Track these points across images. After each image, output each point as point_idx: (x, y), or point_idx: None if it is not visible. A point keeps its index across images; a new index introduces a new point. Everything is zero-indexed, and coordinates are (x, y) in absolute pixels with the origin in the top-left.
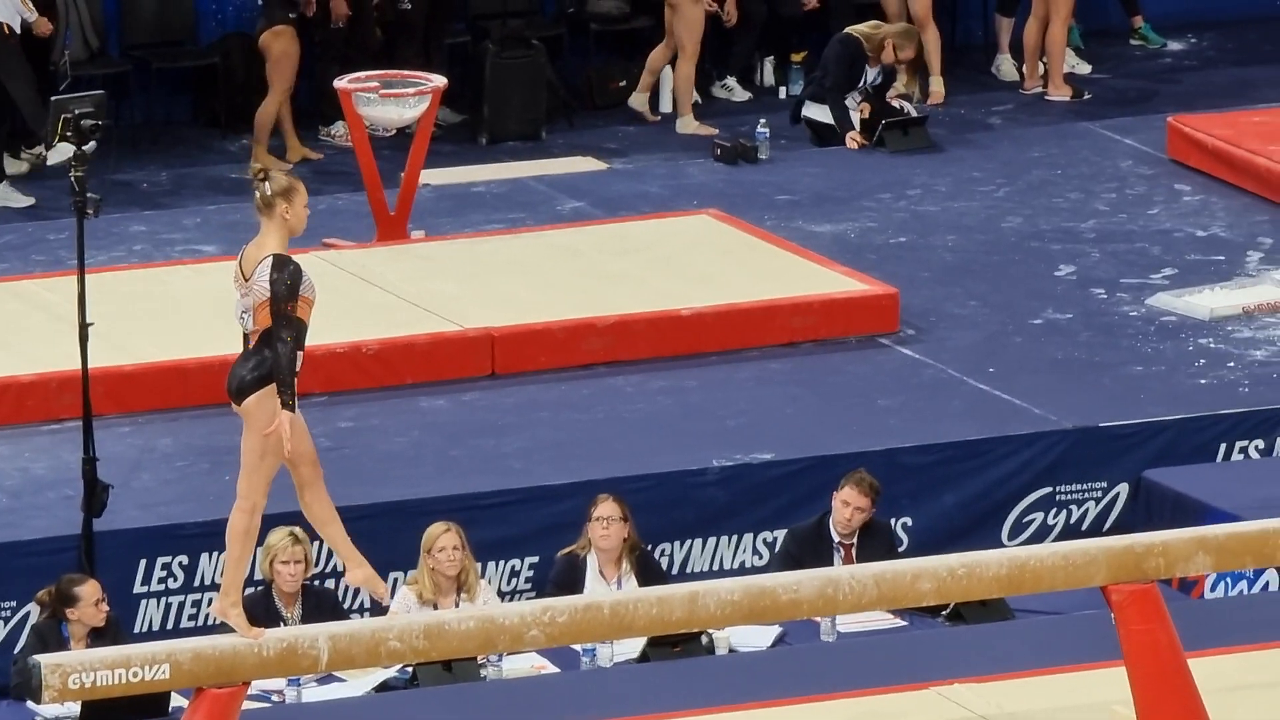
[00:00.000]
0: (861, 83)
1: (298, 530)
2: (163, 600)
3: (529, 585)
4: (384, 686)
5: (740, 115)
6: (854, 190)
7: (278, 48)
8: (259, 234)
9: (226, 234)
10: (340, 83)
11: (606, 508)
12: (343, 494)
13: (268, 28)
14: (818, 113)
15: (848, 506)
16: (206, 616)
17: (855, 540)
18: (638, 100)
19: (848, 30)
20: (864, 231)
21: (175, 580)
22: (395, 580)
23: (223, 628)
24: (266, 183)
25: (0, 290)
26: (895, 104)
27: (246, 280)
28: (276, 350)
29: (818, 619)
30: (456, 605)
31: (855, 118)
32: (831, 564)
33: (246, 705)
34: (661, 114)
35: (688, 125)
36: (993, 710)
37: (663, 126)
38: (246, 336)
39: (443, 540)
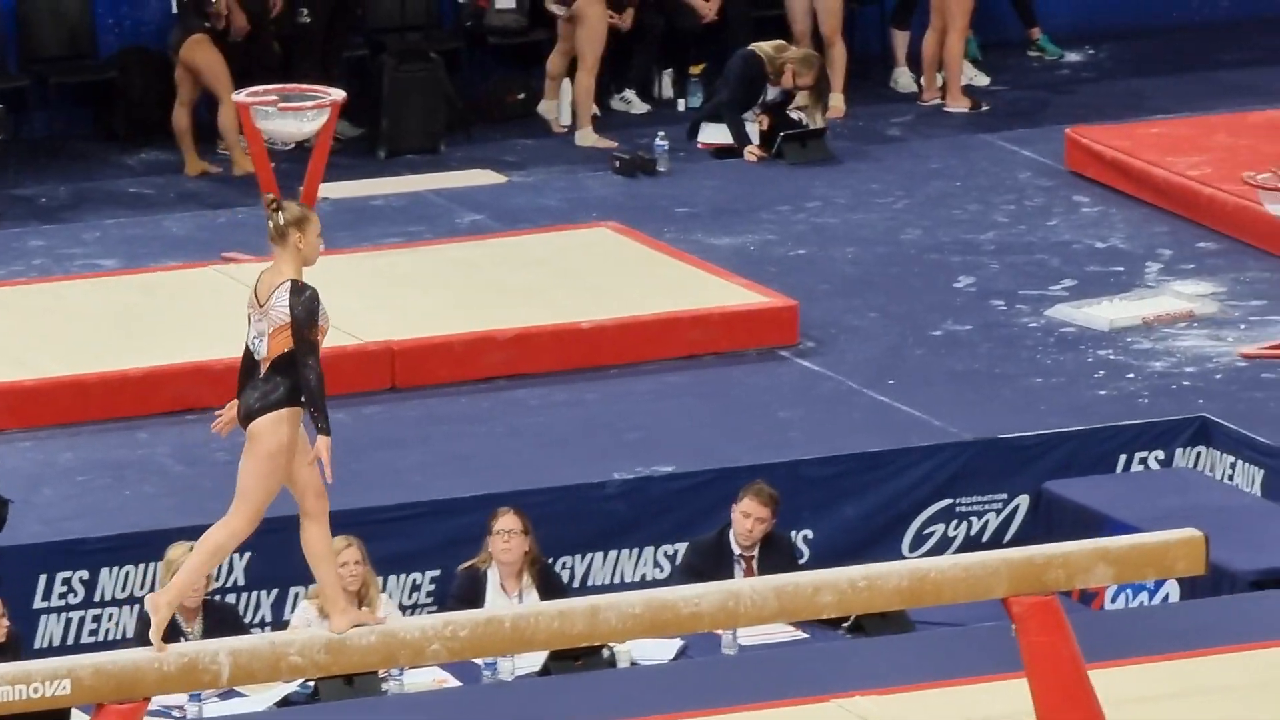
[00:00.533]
0: (760, 100)
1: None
2: (63, 616)
3: (430, 599)
4: (285, 701)
5: (639, 128)
6: (753, 203)
7: (202, 57)
8: (274, 262)
9: (126, 248)
10: (238, 96)
11: (507, 521)
12: None
13: (185, 38)
14: (714, 134)
15: (748, 518)
16: (107, 632)
17: (756, 553)
18: (546, 107)
19: (752, 47)
20: (763, 244)
21: (76, 596)
22: (296, 595)
23: (124, 643)
24: (280, 213)
25: None
26: (794, 116)
27: (261, 306)
28: (305, 375)
29: (719, 632)
30: None
31: (754, 130)
32: (733, 576)
33: None
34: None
35: (587, 138)
36: None
37: (561, 139)
38: (256, 364)
39: (344, 555)
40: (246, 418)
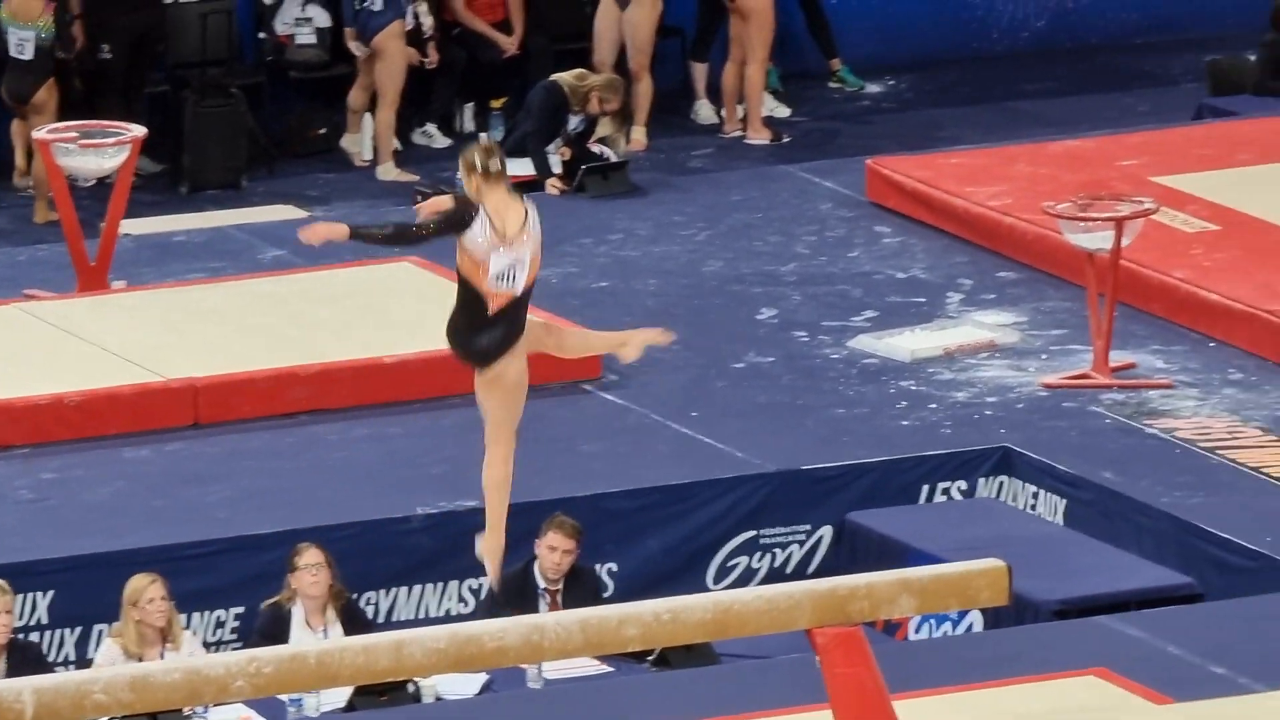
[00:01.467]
0: (563, 131)
1: (3, 582)
2: None
3: (234, 635)
4: None
5: (441, 161)
6: (555, 236)
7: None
8: (497, 199)
9: None
10: (39, 133)
11: (312, 555)
12: (46, 546)
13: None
14: (517, 167)
15: (555, 551)
16: None
17: (561, 586)
18: (349, 141)
19: (553, 78)
20: (566, 277)
21: None
22: (100, 632)
23: None
24: (493, 158)
25: None
26: (596, 149)
27: (519, 236)
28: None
29: (524, 666)
30: (162, 656)
31: (556, 162)
32: (538, 611)
33: None
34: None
35: (388, 172)
36: None
37: (363, 173)
38: (485, 302)
39: (150, 591)
40: (494, 355)
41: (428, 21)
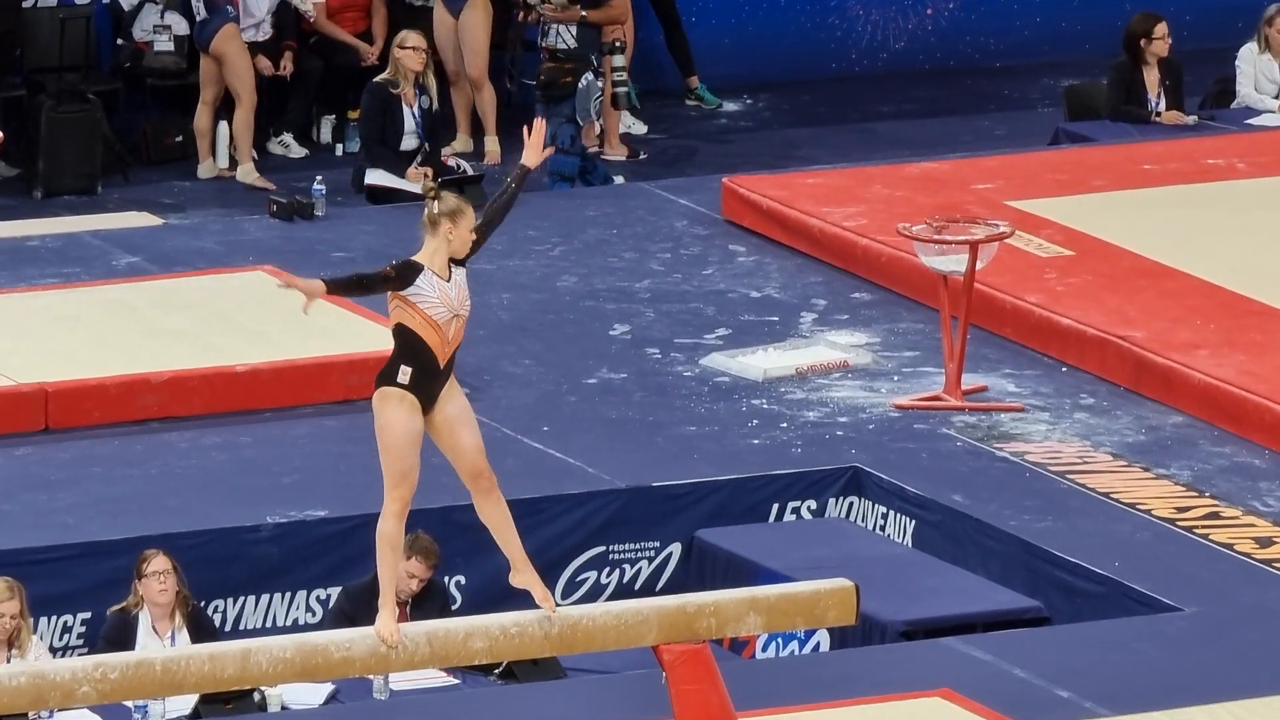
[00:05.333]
0: (404, 128)
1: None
2: None
3: (81, 641)
4: None
5: (297, 171)
6: (410, 247)
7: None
8: (422, 249)
9: None
10: None
11: (159, 562)
12: None
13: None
14: (380, 178)
15: (413, 578)
16: None
17: (410, 599)
18: (205, 169)
19: (374, 80)
20: None
21: None
22: None
23: None
24: (436, 201)
25: None
26: (452, 163)
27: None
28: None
29: (371, 676)
30: (8, 661)
31: (413, 178)
32: None
33: None
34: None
35: (248, 174)
36: None
37: (217, 183)
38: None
39: (3, 608)
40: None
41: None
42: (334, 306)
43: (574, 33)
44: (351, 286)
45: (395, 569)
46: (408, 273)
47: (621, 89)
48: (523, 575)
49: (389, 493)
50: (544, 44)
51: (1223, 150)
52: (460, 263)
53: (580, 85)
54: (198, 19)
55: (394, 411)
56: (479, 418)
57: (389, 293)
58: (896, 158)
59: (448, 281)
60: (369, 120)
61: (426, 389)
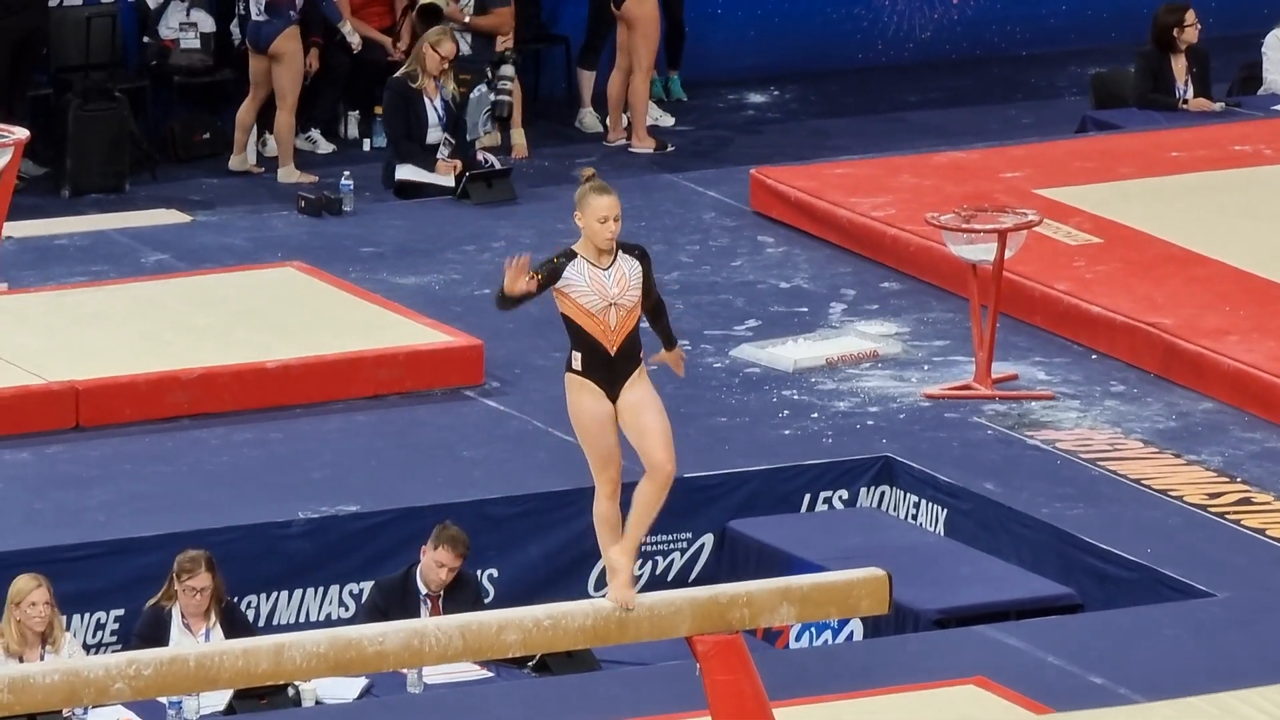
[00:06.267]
0: (429, 121)
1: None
2: None
3: (114, 638)
4: None
5: (324, 167)
6: (438, 242)
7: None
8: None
9: None
10: None
11: (201, 579)
12: None
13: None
14: (410, 173)
15: (442, 567)
16: None
17: (442, 592)
18: (236, 162)
19: (394, 76)
20: (448, 283)
21: None
22: None
23: None
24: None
25: None
26: (480, 157)
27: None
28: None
29: (404, 670)
30: (41, 658)
31: (444, 170)
32: (418, 616)
33: None
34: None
35: (289, 175)
36: None
37: (245, 179)
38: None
39: (34, 595)
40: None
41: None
42: (365, 302)
43: (469, 40)
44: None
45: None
46: (557, 268)
47: (505, 98)
48: (623, 557)
49: (597, 477)
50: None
51: (1250, 136)
52: (642, 263)
53: (472, 96)
54: (253, 18)
55: (575, 396)
56: (511, 411)
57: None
58: (924, 147)
59: (605, 270)
60: (393, 117)
61: (603, 374)
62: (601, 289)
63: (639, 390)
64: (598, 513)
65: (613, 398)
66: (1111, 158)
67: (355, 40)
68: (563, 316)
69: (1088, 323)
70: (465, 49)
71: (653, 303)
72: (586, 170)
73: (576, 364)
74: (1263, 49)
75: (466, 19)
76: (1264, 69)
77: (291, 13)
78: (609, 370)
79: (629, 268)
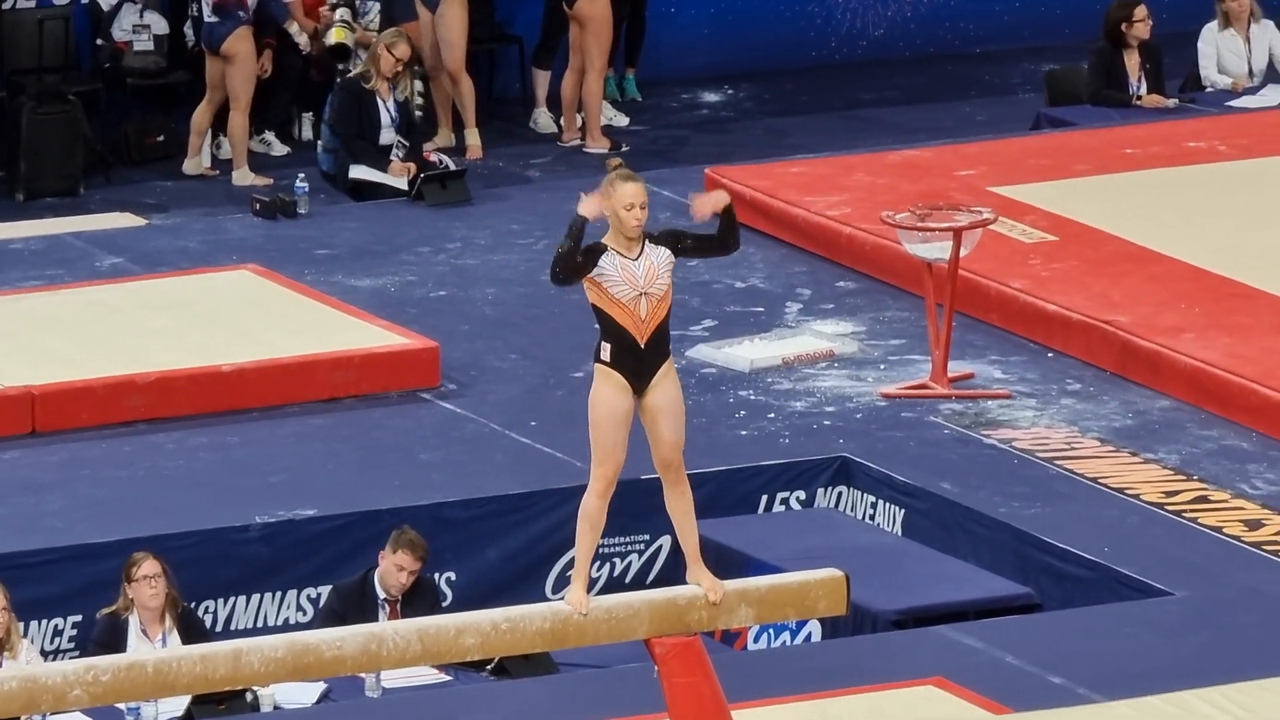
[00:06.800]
0: (381, 122)
1: None
2: None
3: (72, 644)
4: None
5: (279, 170)
6: (393, 244)
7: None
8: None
9: None
10: None
11: (149, 566)
12: None
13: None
14: (363, 173)
15: (402, 570)
16: None
17: (400, 596)
18: (191, 165)
19: (346, 76)
20: (404, 285)
21: None
22: None
23: None
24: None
25: None
26: (434, 158)
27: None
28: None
29: (363, 674)
30: None
31: (397, 172)
32: (376, 620)
33: None
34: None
35: (244, 177)
36: None
37: (200, 182)
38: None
39: None
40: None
41: (302, 40)
42: (321, 304)
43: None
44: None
45: (591, 546)
46: (590, 256)
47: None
48: (693, 570)
49: (593, 470)
50: (320, 43)
51: (1204, 132)
52: (663, 243)
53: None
54: (205, 20)
55: (599, 388)
56: (467, 414)
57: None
58: (879, 145)
59: (634, 259)
60: (346, 116)
61: (632, 367)
62: (632, 279)
63: (666, 393)
64: (584, 507)
65: (639, 390)
66: (1066, 155)
67: (303, 41)
68: (593, 307)
69: (1044, 321)
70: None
71: (696, 236)
72: (613, 160)
73: (605, 355)
74: (1198, 44)
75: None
76: (1200, 66)
77: (241, 13)
78: (637, 361)
79: (656, 257)
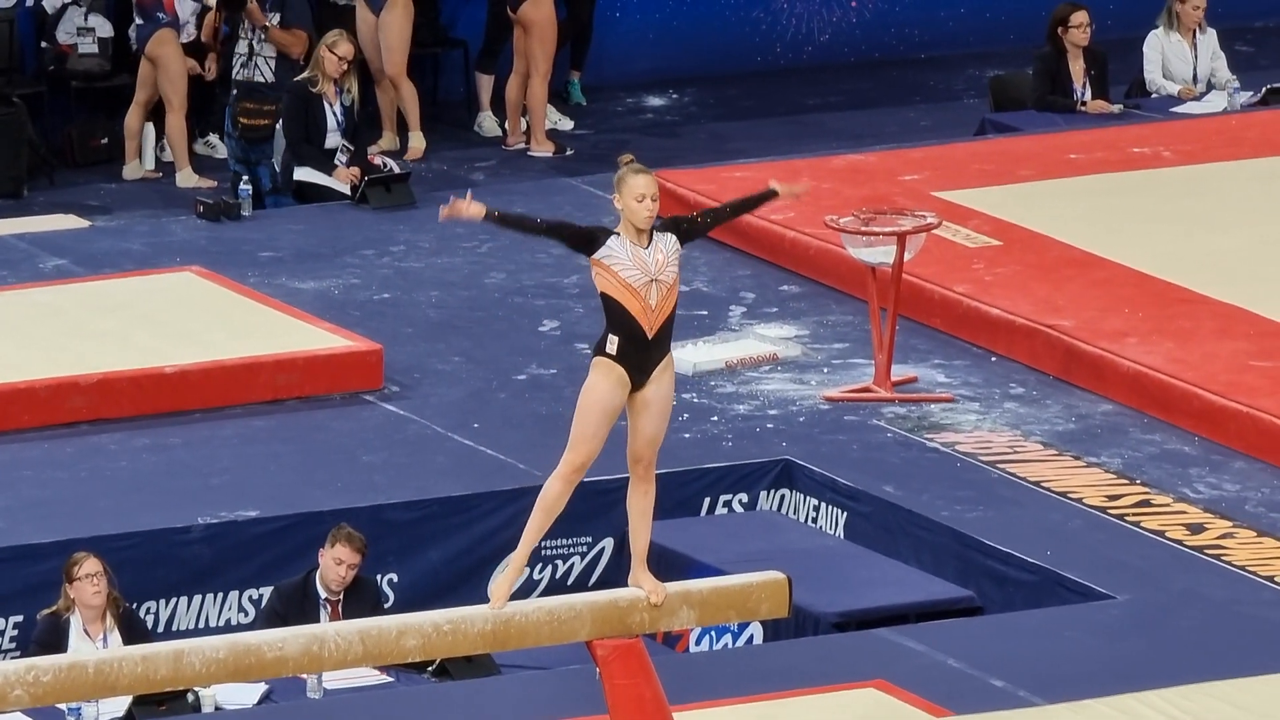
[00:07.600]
0: (327, 126)
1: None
2: None
3: (13, 645)
4: None
5: (223, 172)
6: (337, 247)
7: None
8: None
9: None
10: None
11: (90, 565)
12: None
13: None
14: (308, 174)
15: (341, 564)
16: None
17: (342, 597)
18: (130, 170)
19: (294, 80)
20: (347, 288)
21: None
22: None
23: None
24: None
25: None
26: (378, 161)
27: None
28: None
29: (304, 675)
30: None
31: (342, 178)
32: (318, 621)
33: None
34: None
35: (188, 179)
36: None
37: (143, 185)
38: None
39: None
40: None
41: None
42: (264, 306)
43: (272, 67)
44: (516, 222)
45: (539, 531)
46: (593, 234)
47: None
48: (636, 572)
49: (565, 454)
50: (240, 76)
51: (1148, 138)
52: (675, 232)
53: (279, 126)
54: (136, 22)
55: (597, 380)
56: (409, 415)
57: (589, 259)
58: (823, 150)
59: (644, 247)
60: (292, 120)
61: (636, 360)
62: (643, 264)
63: (659, 390)
64: (545, 490)
65: (639, 384)
66: (1010, 160)
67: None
68: (602, 296)
69: (987, 325)
70: (269, 75)
71: (714, 212)
72: (625, 155)
73: (611, 348)
74: (1144, 49)
75: (268, 24)
76: (1145, 70)
77: (161, 15)
78: (642, 355)
79: (665, 244)
